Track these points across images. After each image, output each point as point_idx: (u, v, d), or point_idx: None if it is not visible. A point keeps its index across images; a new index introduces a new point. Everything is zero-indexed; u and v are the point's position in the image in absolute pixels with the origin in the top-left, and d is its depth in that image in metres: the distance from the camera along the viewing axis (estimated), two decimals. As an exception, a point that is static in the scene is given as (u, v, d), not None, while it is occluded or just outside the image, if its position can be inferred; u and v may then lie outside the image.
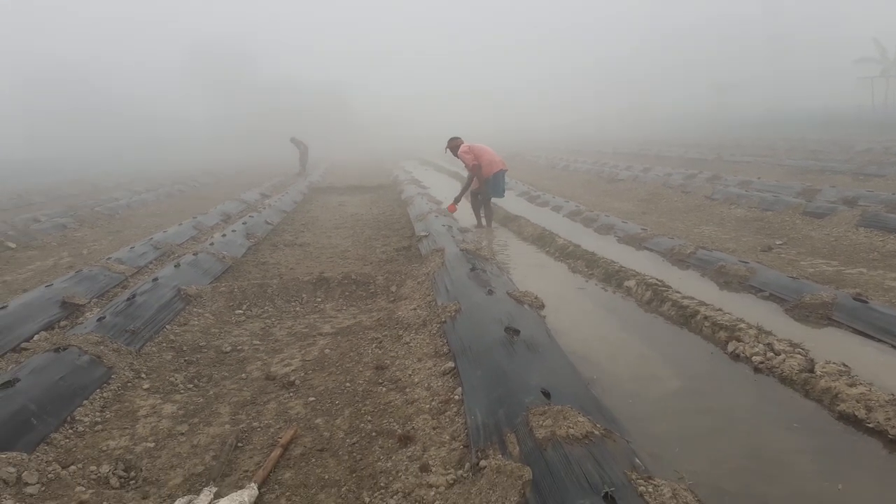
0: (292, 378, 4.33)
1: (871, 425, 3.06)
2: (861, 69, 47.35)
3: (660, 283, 5.62)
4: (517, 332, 4.20)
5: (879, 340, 4.17)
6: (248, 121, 54.13)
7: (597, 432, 2.86)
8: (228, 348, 5.02)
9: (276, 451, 3.29)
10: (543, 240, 8.38)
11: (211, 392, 4.24)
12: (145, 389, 4.27)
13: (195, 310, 5.96)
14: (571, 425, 2.86)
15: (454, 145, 9.94)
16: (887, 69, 46.32)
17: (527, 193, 13.69)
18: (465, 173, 10.32)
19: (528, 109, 73.65)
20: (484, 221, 10.23)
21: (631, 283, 5.87)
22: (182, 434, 3.64)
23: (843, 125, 32.37)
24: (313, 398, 4.02)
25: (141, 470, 3.27)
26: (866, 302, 4.64)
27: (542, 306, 5.42)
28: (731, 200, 10.66)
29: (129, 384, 4.33)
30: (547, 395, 3.23)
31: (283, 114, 51.50)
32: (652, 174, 15.43)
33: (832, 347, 4.12)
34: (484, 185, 9.88)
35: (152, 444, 3.53)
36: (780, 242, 7.65)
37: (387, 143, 48.63)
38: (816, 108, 44.25)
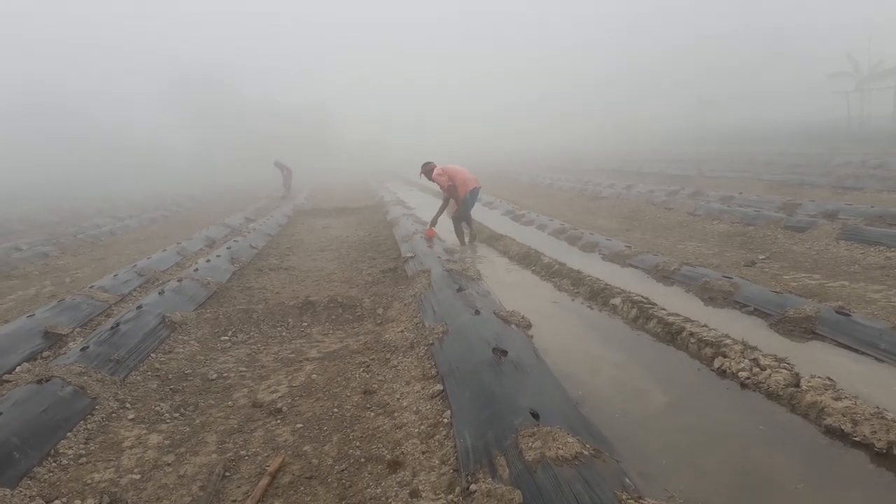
0: (279, 405, 4.30)
1: (857, 438, 3.08)
2: (836, 84, 48.26)
3: (645, 301, 5.65)
4: (505, 352, 4.21)
5: (863, 353, 4.22)
6: (232, 145, 54.04)
7: (586, 452, 2.86)
8: (214, 375, 4.98)
9: (265, 480, 3.26)
10: (529, 258, 8.41)
11: (197, 421, 4.19)
12: (130, 420, 4.22)
13: (180, 337, 5.91)
14: (561, 446, 2.86)
15: (427, 170, 10.17)
16: (861, 83, 47.25)
17: (511, 212, 13.75)
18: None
19: (514, 130, 74.20)
20: (467, 240, 10.44)
21: (617, 300, 5.89)
22: (168, 464, 3.60)
23: (820, 139, 32.87)
24: (301, 425, 3.99)
25: (127, 503, 3.22)
26: (849, 315, 4.69)
27: (529, 325, 5.43)
28: (713, 216, 10.77)
29: (113, 414, 4.28)
30: (536, 415, 3.23)
31: (267, 138, 51.50)
32: (634, 191, 15.57)
33: (817, 361, 4.15)
34: (462, 204, 10.08)
35: (138, 476, 3.48)
36: (763, 257, 7.73)
37: (371, 164, 48.74)
38: (794, 123, 44.96)
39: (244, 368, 5.15)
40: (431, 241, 9.92)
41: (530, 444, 2.91)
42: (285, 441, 3.78)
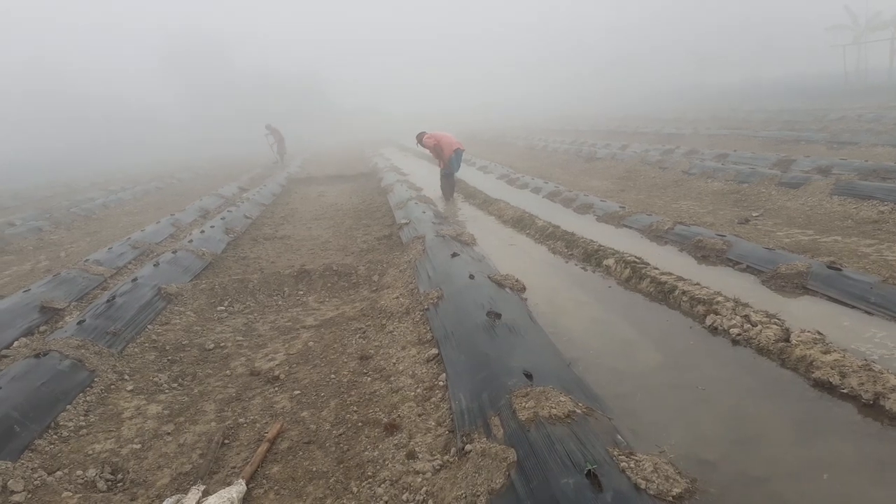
0: (277, 372, 4.34)
1: (845, 391, 3.12)
2: (833, 37, 47.65)
3: (638, 261, 5.67)
4: (499, 315, 4.23)
5: (853, 307, 4.25)
6: (226, 114, 53.53)
7: (579, 411, 2.90)
8: (211, 345, 5.01)
9: (263, 446, 3.31)
10: (523, 222, 8.40)
11: (195, 390, 4.24)
12: (129, 391, 4.26)
13: (176, 308, 5.94)
14: (554, 405, 2.90)
15: (420, 138, 11.78)
16: (859, 36, 46.65)
17: (506, 176, 13.70)
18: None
19: (511, 92, 73.53)
20: (450, 195, 11.82)
21: (610, 261, 5.91)
22: (168, 434, 3.65)
23: (817, 95, 32.62)
24: (298, 391, 4.03)
25: (128, 472, 3.28)
26: (840, 269, 4.71)
27: (524, 289, 5.46)
28: (707, 174, 10.73)
29: (112, 386, 4.32)
30: (529, 376, 3.27)
31: (261, 105, 51.00)
32: (629, 151, 15.47)
33: (807, 316, 4.19)
34: (447, 163, 11.46)
35: (138, 446, 3.53)
36: (757, 214, 7.73)
37: (366, 130, 48.33)
38: (792, 79, 44.55)
39: (241, 337, 5.19)
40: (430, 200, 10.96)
41: (524, 403, 2.95)
42: (283, 408, 3.83)
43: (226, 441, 3.49)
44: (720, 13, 73.28)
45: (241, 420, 3.72)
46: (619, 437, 2.79)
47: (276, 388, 4.13)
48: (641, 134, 21.95)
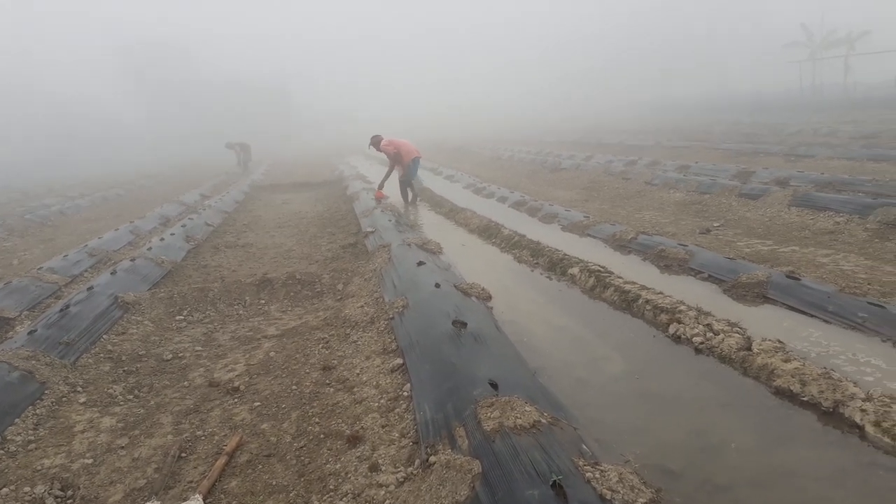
0: (237, 383, 4.24)
1: (805, 399, 3.16)
2: (790, 53, 49.04)
3: (602, 270, 5.70)
4: (465, 324, 4.20)
5: (812, 316, 4.33)
6: (187, 118, 52.58)
7: (544, 421, 2.88)
8: (169, 356, 4.88)
9: (222, 460, 3.21)
10: (489, 231, 8.41)
11: (152, 402, 4.11)
12: (82, 403, 4.11)
13: (134, 318, 5.77)
14: (519, 415, 2.87)
15: (376, 141, 11.98)
16: (814, 52, 48.10)
17: (472, 185, 13.73)
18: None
19: (478, 101, 73.84)
20: (410, 199, 12.24)
21: (575, 270, 5.93)
22: (122, 448, 3.52)
23: (775, 109, 33.45)
24: (259, 403, 3.94)
25: (79, 488, 3.15)
26: (798, 279, 4.80)
27: (490, 298, 5.44)
28: (670, 185, 10.90)
29: (64, 399, 4.16)
30: (495, 386, 3.24)
31: (223, 110, 50.33)
32: (594, 162, 15.65)
33: (768, 325, 4.25)
34: (406, 169, 11.80)
35: (90, 461, 3.40)
36: (718, 224, 7.86)
37: (332, 138, 48.07)
38: (751, 93, 45.66)
39: (200, 348, 5.06)
40: (380, 201, 11.50)
41: (489, 414, 2.92)
42: (243, 420, 3.73)
43: (182, 455, 3.38)
44: (683, 27, 74.79)
45: (199, 433, 3.62)
46: (585, 446, 2.78)
47: (236, 400, 4.02)
48: (605, 145, 22.23)
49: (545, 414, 2.97)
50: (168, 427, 3.73)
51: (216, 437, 3.54)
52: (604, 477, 2.47)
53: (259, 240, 9.68)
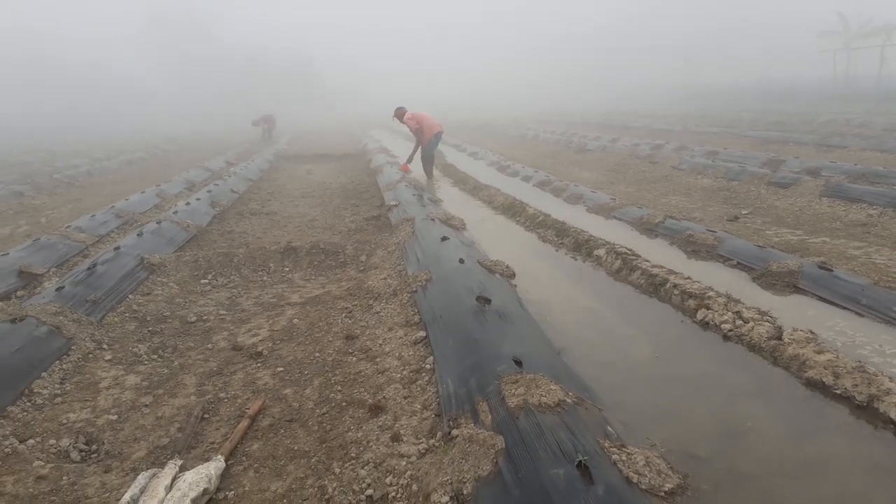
0: (260, 348, 4.26)
1: (838, 391, 3.10)
2: (824, 42, 47.86)
3: (629, 252, 5.63)
4: (488, 301, 4.17)
5: (844, 308, 4.24)
6: (212, 89, 52.78)
7: (569, 400, 2.85)
8: (194, 318, 4.91)
9: (244, 423, 3.23)
10: (514, 209, 8.34)
11: (176, 363, 4.14)
12: (107, 360, 4.16)
13: (159, 279, 5.82)
14: (544, 393, 2.84)
15: (399, 114, 12.07)
16: (849, 41, 46.90)
17: (497, 163, 13.62)
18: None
19: (504, 83, 73.06)
20: (434, 172, 12.39)
21: (601, 251, 5.87)
22: (146, 406, 3.56)
23: (807, 98, 32.79)
24: (282, 368, 3.95)
25: (103, 443, 3.19)
26: (831, 270, 4.71)
27: (513, 275, 5.40)
28: (697, 170, 10.74)
29: (90, 355, 4.21)
30: (519, 363, 3.21)
31: (249, 82, 50.43)
32: (619, 144, 15.46)
33: (799, 315, 4.17)
34: (427, 144, 11.92)
35: (115, 417, 3.44)
36: (746, 212, 7.73)
37: (357, 113, 47.94)
38: (781, 81, 44.70)
39: (224, 312, 5.09)
40: (405, 175, 11.52)
41: (513, 390, 2.89)
42: (265, 384, 3.75)
43: (205, 416, 3.41)
44: (714, 14, 73.19)
45: (222, 395, 3.64)
46: (610, 428, 2.75)
47: (259, 364, 4.05)
48: (631, 128, 21.94)
49: (570, 393, 2.94)
50: (191, 388, 3.76)
51: (239, 401, 3.56)
52: (630, 460, 2.45)
53: (283, 208, 9.69)
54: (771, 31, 70.64)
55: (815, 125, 18.31)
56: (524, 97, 57.76)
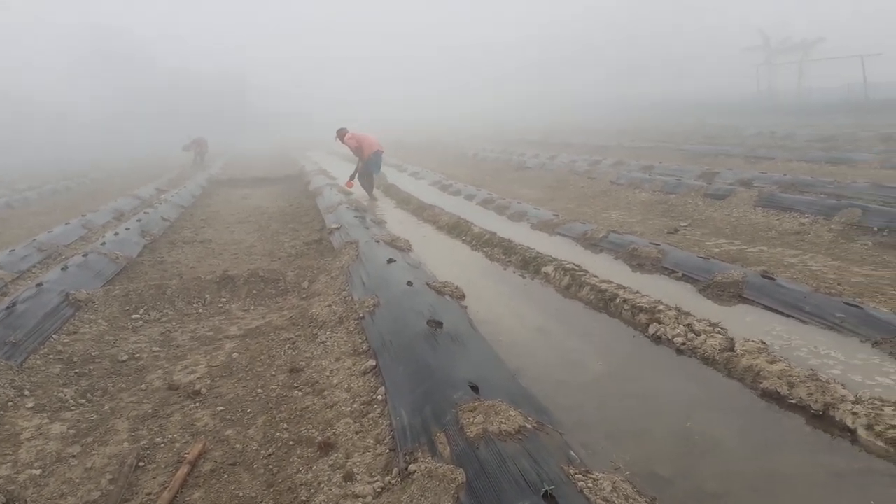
0: (198, 386, 4.00)
1: (794, 401, 3.09)
2: (748, 57, 50.12)
3: (577, 268, 5.61)
4: (440, 324, 4.04)
5: (789, 316, 4.30)
6: (145, 114, 51.32)
7: (529, 426, 2.74)
8: (125, 357, 4.60)
9: (183, 469, 2.99)
10: (459, 228, 8.27)
11: (106, 407, 3.84)
12: (29, 409, 3.82)
13: (86, 316, 5.45)
14: (504, 420, 2.73)
15: (341, 134, 12.44)
16: (770, 57, 49.21)
17: (439, 182, 13.59)
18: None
19: (439, 101, 73.46)
20: (370, 190, 12.61)
21: (549, 268, 5.83)
22: (73, 457, 3.27)
23: (733, 111, 34.07)
24: (222, 407, 3.71)
25: (26, 501, 2.89)
26: (773, 279, 4.78)
27: (463, 296, 5.28)
28: (635, 185, 10.92)
29: (10, 404, 3.87)
30: (475, 389, 3.09)
31: (181, 106, 49.29)
32: (559, 161, 15.65)
33: (747, 325, 4.20)
34: (366, 162, 12.22)
35: (38, 471, 3.14)
36: (686, 224, 7.87)
37: (299, 137, 47.34)
38: (710, 94, 46.44)
39: (158, 348, 4.79)
40: (348, 193, 12.09)
41: (472, 418, 2.76)
42: (205, 426, 3.51)
43: (140, 464, 3.15)
44: (642, 26, 75.52)
45: (158, 440, 3.38)
46: (573, 453, 2.65)
47: (198, 404, 3.79)
48: (569, 145, 22.31)
49: (530, 418, 2.83)
50: (124, 434, 3.48)
51: (177, 445, 3.31)
52: (597, 486, 2.34)
53: (218, 235, 9.36)
54: (698, 47, 73.42)
55: (743, 138, 19.00)
56: (468, 119, 58.24)
